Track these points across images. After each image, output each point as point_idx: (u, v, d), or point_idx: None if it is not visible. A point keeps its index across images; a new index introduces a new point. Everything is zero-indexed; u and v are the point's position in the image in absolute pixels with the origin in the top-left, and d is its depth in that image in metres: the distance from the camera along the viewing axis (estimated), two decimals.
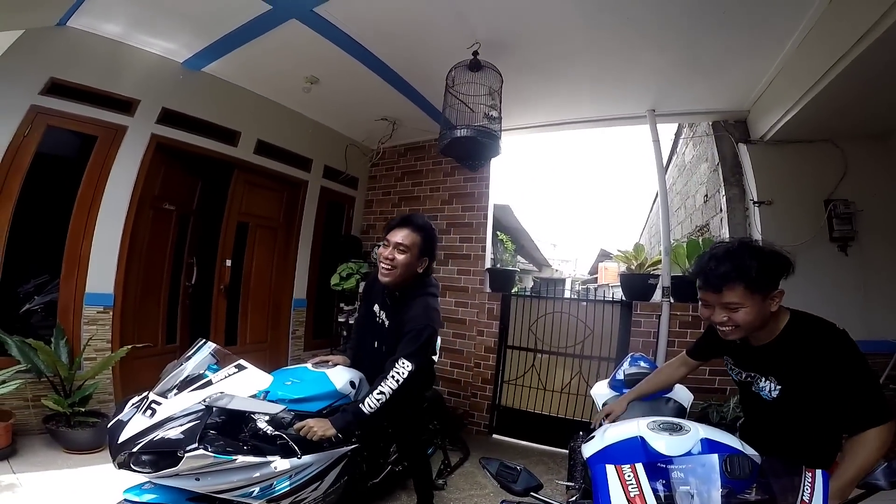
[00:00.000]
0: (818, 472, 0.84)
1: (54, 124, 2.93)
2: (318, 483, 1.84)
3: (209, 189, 4.15)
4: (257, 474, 1.60)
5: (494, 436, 3.93)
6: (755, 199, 3.46)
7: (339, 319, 4.67)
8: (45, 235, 3.02)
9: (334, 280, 4.47)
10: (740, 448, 1.03)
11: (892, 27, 2.08)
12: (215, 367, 1.80)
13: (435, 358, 2.84)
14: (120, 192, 3.19)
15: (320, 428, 1.77)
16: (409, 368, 1.87)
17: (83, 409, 2.83)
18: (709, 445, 1.00)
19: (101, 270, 3.12)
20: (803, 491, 0.80)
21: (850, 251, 3.29)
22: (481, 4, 2.63)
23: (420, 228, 2.07)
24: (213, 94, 3.61)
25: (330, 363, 2.33)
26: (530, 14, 2.69)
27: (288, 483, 1.71)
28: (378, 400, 1.84)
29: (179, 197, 3.86)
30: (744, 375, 1.54)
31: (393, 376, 1.86)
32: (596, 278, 15.41)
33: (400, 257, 2.01)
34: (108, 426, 1.61)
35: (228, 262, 4.09)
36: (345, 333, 4.60)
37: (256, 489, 1.62)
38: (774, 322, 1.40)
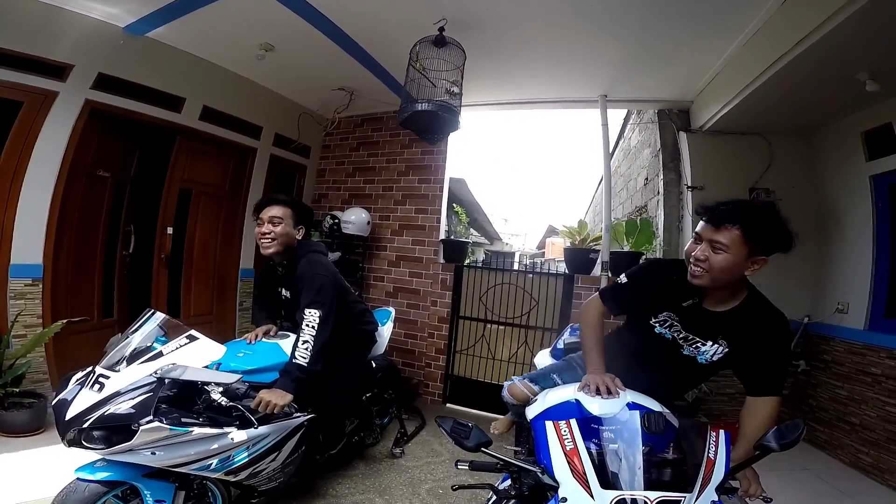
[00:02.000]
0: (721, 433, 1.00)
1: None
2: (276, 454, 1.88)
3: (149, 156, 3.90)
4: (215, 446, 1.61)
5: (448, 405, 4.10)
6: (689, 184, 3.74)
7: None
8: None
9: None
10: (661, 409, 1.20)
11: (820, 39, 2.31)
12: (163, 338, 1.77)
13: (383, 334, 2.94)
14: (48, 159, 2.98)
15: (277, 398, 1.82)
16: (317, 314, 2.02)
17: (17, 390, 2.67)
18: (634, 408, 1.15)
19: (28, 241, 2.91)
20: (709, 448, 0.96)
21: None
22: None
23: (288, 203, 2.24)
24: (157, 59, 3.40)
25: (272, 332, 2.35)
26: None
27: (246, 454, 1.74)
28: (305, 349, 1.97)
29: (116, 164, 3.61)
30: (683, 336, 1.55)
31: (306, 325, 2.00)
32: (543, 252, 16.01)
33: (276, 228, 2.16)
34: (53, 404, 1.56)
35: (170, 230, 3.90)
36: (283, 313, 4.55)
37: (215, 461, 1.64)
38: (737, 292, 1.47)
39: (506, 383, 1.81)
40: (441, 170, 4.39)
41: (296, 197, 2.26)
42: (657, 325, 1.59)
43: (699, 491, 0.88)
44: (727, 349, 1.49)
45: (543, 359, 2.30)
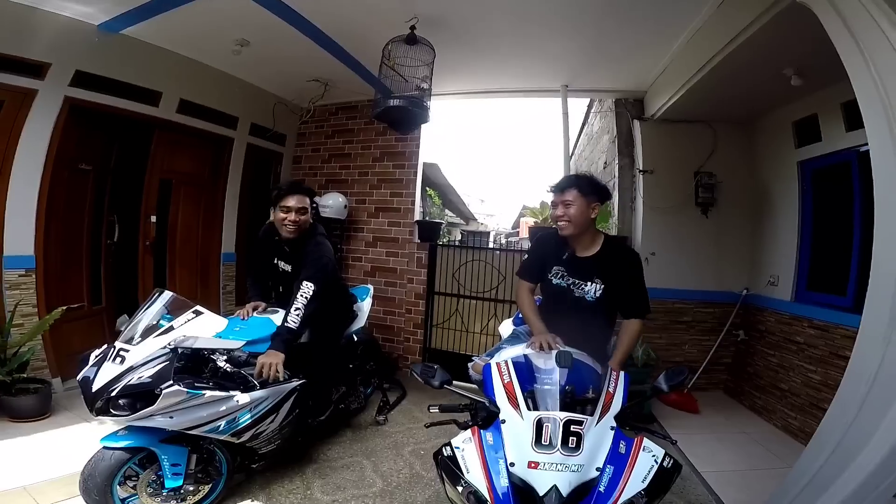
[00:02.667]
0: (621, 374, 1.33)
1: None
2: (273, 415, 2.16)
3: (128, 148, 3.98)
4: (223, 408, 1.87)
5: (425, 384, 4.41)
6: (641, 168, 4.09)
7: None
8: None
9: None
10: (588, 361, 1.53)
11: (748, 39, 2.59)
12: (169, 316, 1.99)
13: (363, 309, 3.22)
14: (33, 155, 3.08)
15: (272, 358, 2.11)
16: (312, 288, 2.31)
17: (23, 376, 2.83)
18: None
19: (19, 233, 3.03)
20: (608, 385, 1.29)
21: (710, 214, 4.06)
22: None
23: (307, 191, 2.56)
24: (133, 55, 3.48)
25: (260, 308, 2.61)
26: None
27: (249, 416, 2.00)
28: (297, 316, 2.26)
29: (97, 157, 3.71)
30: (571, 281, 2.04)
31: (301, 295, 2.29)
32: (518, 232, 16.43)
33: (303, 217, 2.49)
34: (78, 379, 1.78)
35: (153, 219, 4.04)
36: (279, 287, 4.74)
37: (223, 423, 1.90)
38: (595, 238, 2.04)
39: (469, 364, 2.13)
40: (414, 156, 4.60)
41: (307, 185, 2.64)
42: (553, 277, 2.09)
43: (600, 416, 1.21)
44: (603, 285, 1.97)
45: (506, 328, 2.61)
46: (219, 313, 4.46)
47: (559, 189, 2.01)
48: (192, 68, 3.88)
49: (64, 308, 2.98)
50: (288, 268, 2.61)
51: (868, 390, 1.55)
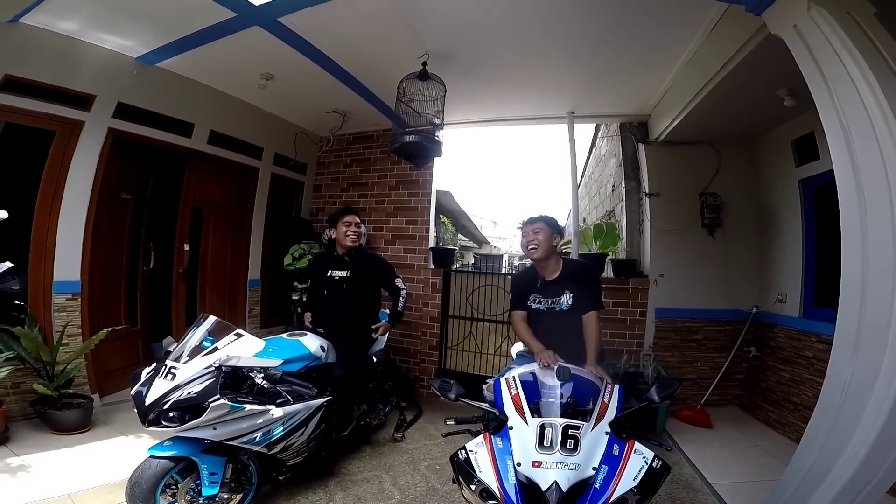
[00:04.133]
0: (616, 387, 1.48)
1: (11, 121, 3.02)
2: (303, 429, 2.33)
3: (163, 178, 4.28)
4: (260, 420, 2.05)
5: (442, 397, 4.53)
6: (647, 191, 4.22)
7: (293, 297, 4.93)
8: (7, 229, 3.13)
9: (287, 260, 4.72)
10: (587, 375, 1.68)
11: (739, 63, 2.72)
12: (211, 338, 2.20)
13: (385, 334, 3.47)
14: (81, 184, 3.31)
15: (385, 327, 3.21)
16: (402, 282, 3.27)
17: (70, 391, 3.03)
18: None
19: (68, 259, 3.28)
20: (604, 395, 1.45)
21: (716, 235, 4.15)
22: (431, 23, 3.02)
23: (356, 212, 3.20)
24: (168, 88, 3.74)
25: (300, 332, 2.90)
26: (471, 31, 3.12)
27: (282, 428, 2.18)
28: (403, 304, 3.24)
29: (135, 186, 4.00)
30: (549, 302, 2.49)
31: (402, 289, 3.26)
32: None
33: (359, 230, 3.13)
34: (132, 394, 1.97)
35: (186, 247, 4.30)
36: (298, 310, 4.93)
37: (259, 434, 2.08)
38: (558, 262, 2.54)
39: (484, 386, 2.31)
40: (428, 184, 4.82)
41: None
42: (532, 304, 2.55)
43: (595, 422, 1.36)
44: (572, 294, 2.44)
45: (518, 348, 2.76)
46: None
47: (530, 222, 2.54)
48: (221, 101, 4.17)
49: (109, 329, 3.20)
50: (344, 273, 3.11)
51: (844, 395, 1.65)
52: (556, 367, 1.50)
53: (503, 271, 4.80)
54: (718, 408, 4.04)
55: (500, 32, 3.10)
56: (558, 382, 1.44)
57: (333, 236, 4.71)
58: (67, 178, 3.26)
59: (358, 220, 3.13)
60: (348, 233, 3.07)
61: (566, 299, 2.43)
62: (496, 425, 1.41)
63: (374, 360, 3.31)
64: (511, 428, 1.36)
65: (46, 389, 2.88)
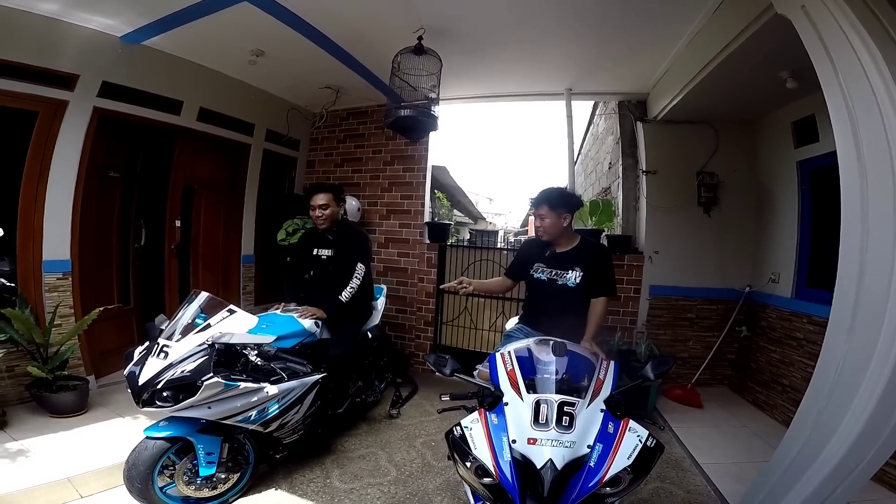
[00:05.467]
0: (612, 363, 1.48)
1: None
2: (298, 406, 2.34)
3: (153, 156, 4.19)
4: (255, 398, 2.05)
5: (437, 373, 4.58)
6: (644, 169, 4.19)
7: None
8: None
9: (280, 235, 4.64)
10: (583, 351, 1.68)
11: (743, 43, 2.67)
12: (203, 315, 2.18)
13: (378, 307, 3.46)
14: (67, 163, 3.24)
15: (316, 312, 2.77)
16: (363, 269, 2.96)
17: (65, 374, 3.00)
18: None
19: (57, 238, 3.22)
20: (599, 372, 1.45)
21: (712, 214, 4.15)
22: None
23: (328, 188, 3.03)
24: (155, 66, 3.64)
25: (291, 307, 2.91)
26: (469, 3, 3.01)
27: (277, 406, 2.19)
28: (350, 293, 2.89)
29: (123, 164, 3.91)
30: (552, 273, 2.46)
31: (356, 277, 2.93)
32: (527, 230, 16.51)
33: (326, 212, 2.96)
34: (126, 374, 1.97)
35: (178, 223, 4.25)
36: (312, 273, 4.86)
37: (254, 413, 2.09)
38: (572, 238, 2.49)
39: (475, 371, 2.31)
40: (424, 159, 4.76)
41: (329, 182, 3.53)
42: (534, 273, 2.51)
43: (590, 399, 1.37)
44: (582, 272, 2.38)
45: (512, 324, 2.77)
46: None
47: (534, 205, 2.49)
48: (210, 78, 4.07)
49: (101, 309, 3.17)
50: (328, 252, 3.06)
51: (837, 377, 1.67)
52: (551, 343, 1.50)
53: (499, 246, 4.78)
54: (709, 388, 4.11)
55: (499, 6, 3.00)
56: (554, 358, 1.44)
57: None
58: (53, 158, 3.18)
59: (326, 199, 2.95)
60: (314, 217, 2.98)
61: (574, 276, 2.40)
62: (491, 401, 1.40)
63: (370, 335, 3.31)
64: (506, 404, 1.36)
65: (41, 372, 2.85)
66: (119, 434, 2.74)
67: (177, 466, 2.06)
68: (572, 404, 1.29)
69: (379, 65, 3.70)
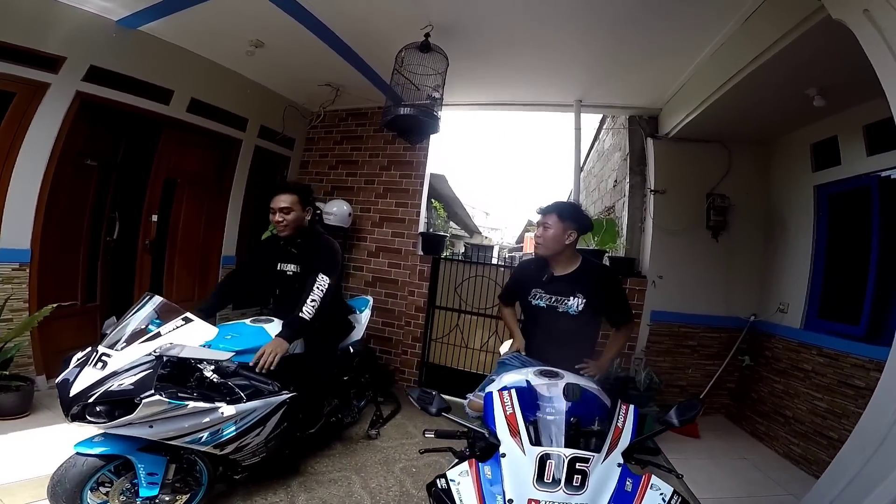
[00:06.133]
0: (630, 407, 1.23)
1: None
2: (260, 428, 2.06)
3: (135, 145, 3.94)
4: (206, 419, 1.78)
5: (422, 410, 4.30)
6: (652, 188, 4.00)
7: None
8: None
9: (265, 235, 4.27)
10: (594, 390, 1.43)
11: (774, 56, 2.53)
12: (158, 321, 1.92)
13: (361, 321, 3.14)
14: (38, 147, 3.04)
15: (276, 349, 2.13)
16: (328, 281, 2.37)
17: (6, 373, 2.75)
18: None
19: (17, 226, 2.97)
20: (618, 419, 1.20)
21: (721, 238, 3.97)
22: None
23: (292, 189, 2.53)
24: (148, 52, 3.48)
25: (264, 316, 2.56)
26: (480, 3, 2.85)
27: (234, 428, 1.91)
28: (312, 307, 2.29)
29: (103, 152, 3.67)
30: (553, 300, 2.17)
31: (317, 287, 2.34)
32: (522, 246, 16.34)
33: (288, 216, 2.46)
34: (57, 382, 1.69)
35: (155, 217, 3.98)
36: (277, 292, 4.65)
37: (206, 434, 1.81)
38: (573, 259, 2.20)
39: (465, 402, 2.09)
40: (422, 166, 4.55)
41: (295, 182, 2.55)
42: (532, 299, 2.24)
43: (607, 453, 1.11)
44: (585, 299, 2.11)
45: (506, 348, 2.52)
46: (215, 316, 4.50)
47: (542, 212, 2.21)
48: (205, 67, 3.88)
49: (54, 306, 2.88)
50: (294, 268, 2.58)
51: (892, 424, 1.45)
52: (562, 383, 1.24)
53: (494, 262, 4.53)
54: (705, 416, 3.90)
55: (512, 6, 2.84)
56: (564, 403, 1.18)
57: (317, 215, 4.45)
58: (24, 141, 2.98)
59: (289, 201, 2.44)
60: (275, 220, 2.46)
61: (576, 303, 2.12)
62: (484, 448, 1.15)
63: (351, 350, 3.04)
64: (503, 455, 1.10)
65: None
66: (61, 440, 2.42)
67: (114, 484, 1.78)
68: (585, 460, 1.04)
69: (381, 63, 3.51)
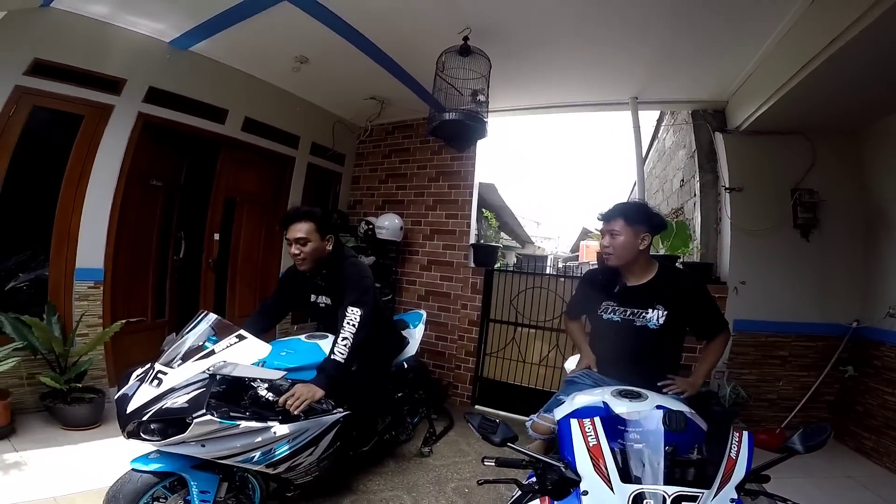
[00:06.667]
0: (745, 434, 1.01)
1: (40, 104, 2.91)
2: (313, 448, 1.98)
3: (196, 166, 4.14)
4: (259, 439, 1.72)
5: (477, 406, 4.13)
6: (727, 186, 3.63)
7: None
8: (33, 213, 3.05)
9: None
10: (688, 413, 1.20)
11: (862, 32, 2.22)
12: (214, 338, 1.90)
13: (415, 336, 3.02)
14: (108, 169, 3.19)
15: (307, 394, 1.89)
16: (359, 313, 2.12)
17: (80, 386, 2.87)
18: (660, 409, 1.16)
19: (91, 246, 3.14)
20: (731, 449, 0.98)
21: (812, 237, 3.53)
22: None
23: (310, 216, 2.25)
24: (201, 73, 3.60)
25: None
26: (517, 2, 2.74)
27: (287, 447, 1.84)
28: (345, 346, 2.06)
29: (167, 173, 3.86)
30: (628, 313, 1.95)
31: (348, 323, 2.10)
32: (577, 256, 15.74)
33: (305, 248, 2.22)
34: (116, 398, 1.71)
35: (217, 237, 4.12)
36: (321, 326, 4.64)
37: (258, 454, 1.75)
38: (649, 267, 1.98)
39: (528, 423, 1.92)
40: (470, 175, 4.44)
41: (317, 207, 2.37)
42: (603, 314, 2.01)
43: (718, 488, 0.90)
44: (666, 311, 1.88)
45: (572, 364, 2.31)
46: (276, 330, 4.58)
47: (606, 219, 1.98)
48: (255, 86, 3.99)
49: (123, 322, 3.03)
50: (328, 301, 2.40)
51: None
52: (659, 412, 1.03)
53: (548, 272, 4.29)
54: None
55: (550, 4, 2.71)
56: (661, 430, 0.98)
57: (368, 229, 4.45)
58: (94, 163, 3.14)
59: (305, 231, 2.19)
60: (292, 252, 2.24)
61: (656, 315, 1.88)
62: (557, 482, 0.97)
63: (405, 366, 2.94)
64: (585, 493, 0.92)
65: (55, 382, 2.73)
66: (127, 452, 2.53)
67: (168, 500, 1.76)
68: (693, 498, 0.84)
69: (423, 72, 3.47)
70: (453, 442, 3.30)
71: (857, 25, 2.21)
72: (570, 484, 0.95)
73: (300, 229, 2.21)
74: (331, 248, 2.29)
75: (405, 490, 2.60)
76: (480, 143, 4.21)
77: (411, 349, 2.98)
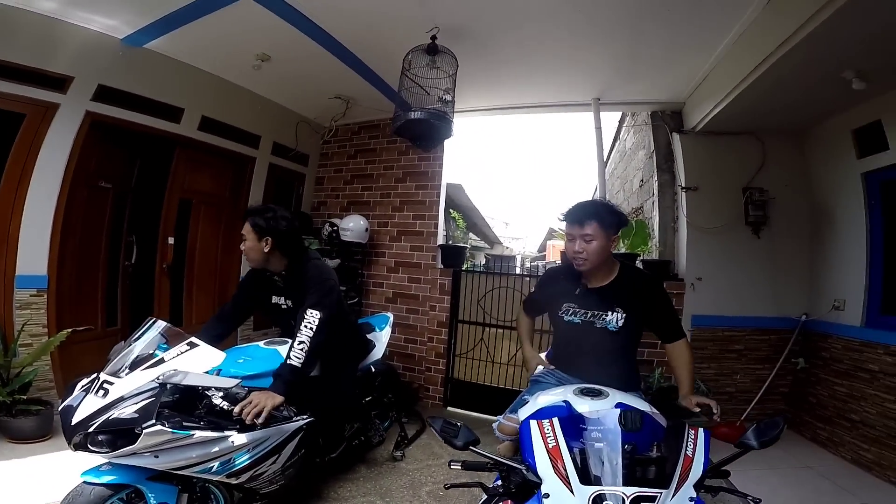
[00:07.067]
0: (700, 431, 1.03)
1: None
2: (276, 456, 1.92)
3: (149, 166, 3.95)
4: (216, 449, 1.65)
5: (449, 408, 4.12)
6: (683, 185, 3.77)
7: None
8: None
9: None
10: (648, 410, 1.23)
11: (807, 36, 2.34)
12: (165, 346, 1.81)
13: (381, 339, 2.98)
14: (51, 170, 3.01)
15: (264, 401, 1.80)
16: (318, 316, 2.07)
17: (24, 397, 2.73)
18: (621, 407, 1.18)
19: (33, 251, 2.96)
20: (686, 446, 1.01)
21: (762, 234, 3.70)
22: None
23: (246, 215, 2.26)
24: (156, 70, 3.45)
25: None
26: (487, 4, 2.75)
27: (247, 457, 1.77)
28: (301, 350, 2.00)
29: (117, 174, 3.66)
30: (588, 315, 1.91)
31: (306, 326, 2.04)
32: (545, 255, 16.02)
33: (243, 247, 2.24)
34: (60, 409, 1.60)
35: (171, 240, 3.95)
36: (282, 329, 4.53)
37: (216, 464, 1.68)
38: (611, 268, 1.93)
39: (494, 425, 1.91)
40: (438, 176, 4.43)
41: (279, 207, 2.31)
42: (564, 315, 1.97)
43: (676, 487, 0.92)
44: (625, 314, 1.85)
45: (540, 360, 2.33)
46: (236, 337, 4.41)
47: (578, 221, 1.83)
48: (214, 84, 3.85)
49: (69, 331, 2.87)
50: (288, 303, 2.33)
51: None
52: (618, 412, 1.04)
53: (517, 272, 4.33)
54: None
55: (520, 6, 2.74)
56: (618, 428, 0.99)
57: (332, 231, 4.36)
58: (36, 164, 2.95)
59: (244, 230, 2.20)
60: (243, 249, 2.23)
61: (615, 318, 1.85)
62: (521, 485, 0.97)
63: (372, 370, 2.90)
64: (546, 496, 0.92)
65: None
66: (76, 466, 2.39)
67: None
68: (652, 499, 0.86)
69: (389, 72, 3.44)
70: (426, 445, 3.27)
71: (803, 30, 2.32)
72: (532, 486, 0.95)
73: (244, 227, 2.22)
74: (266, 250, 2.20)
75: (378, 496, 2.56)
76: (447, 144, 4.21)
77: (378, 353, 2.94)
